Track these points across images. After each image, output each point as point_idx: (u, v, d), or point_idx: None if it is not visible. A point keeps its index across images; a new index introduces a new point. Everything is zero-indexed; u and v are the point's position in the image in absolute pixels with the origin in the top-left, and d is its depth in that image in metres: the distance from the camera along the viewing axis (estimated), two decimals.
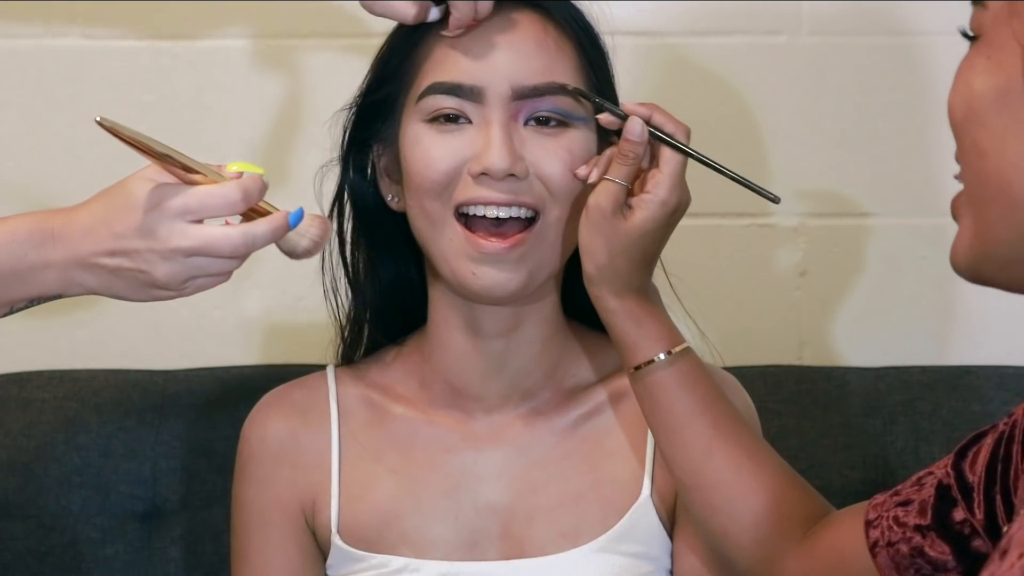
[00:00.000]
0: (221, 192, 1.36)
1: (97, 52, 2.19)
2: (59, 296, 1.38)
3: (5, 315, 1.38)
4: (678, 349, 1.56)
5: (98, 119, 1.33)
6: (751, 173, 2.19)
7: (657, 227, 1.54)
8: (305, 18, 2.17)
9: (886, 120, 2.19)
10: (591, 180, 1.56)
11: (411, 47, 1.63)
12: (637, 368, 1.56)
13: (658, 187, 1.53)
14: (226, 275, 1.40)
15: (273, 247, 1.42)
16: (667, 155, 1.55)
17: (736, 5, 2.16)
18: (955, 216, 1.33)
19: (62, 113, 2.19)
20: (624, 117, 1.56)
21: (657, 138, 1.55)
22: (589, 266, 1.55)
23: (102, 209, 1.36)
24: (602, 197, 1.53)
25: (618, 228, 1.53)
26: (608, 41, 1.66)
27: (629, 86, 1.70)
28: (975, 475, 1.38)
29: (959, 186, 1.28)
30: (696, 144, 1.56)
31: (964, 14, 2.18)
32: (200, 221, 1.36)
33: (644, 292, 1.57)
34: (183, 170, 1.37)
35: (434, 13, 1.60)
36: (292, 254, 1.45)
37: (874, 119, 2.19)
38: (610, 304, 1.55)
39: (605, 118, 1.57)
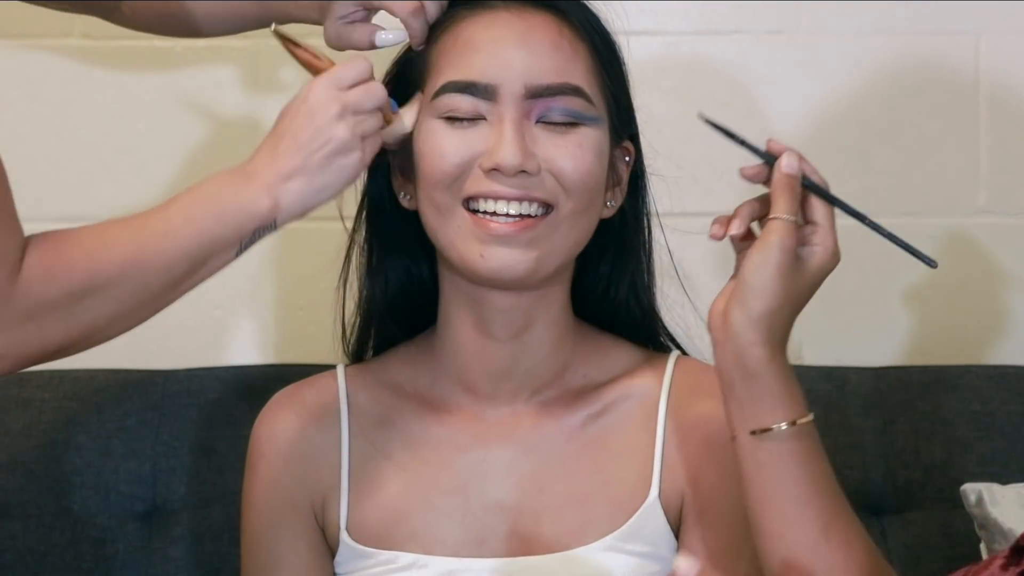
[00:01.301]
0: (350, 64, 1.55)
1: (97, 52, 2.19)
2: (274, 226, 1.53)
3: (235, 256, 1.53)
4: (810, 418, 1.47)
5: (273, 29, 1.59)
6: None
7: (822, 279, 1.49)
8: None
9: (886, 120, 2.19)
10: (733, 232, 1.49)
11: (428, 45, 1.64)
12: (766, 429, 1.45)
13: (826, 239, 1.49)
14: (377, 137, 1.57)
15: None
16: (820, 208, 1.50)
17: (737, 5, 2.17)
18: None
19: (62, 113, 2.19)
20: (768, 157, 1.49)
21: (809, 188, 1.49)
22: (758, 306, 1.45)
23: (271, 136, 1.54)
24: (786, 237, 1.46)
25: (800, 272, 1.47)
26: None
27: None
28: None
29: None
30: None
31: (963, 14, 2.19)
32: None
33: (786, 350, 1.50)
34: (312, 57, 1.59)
35: (388, 37, 1.64)
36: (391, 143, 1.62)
37: (874, 119, 2.19)
38: (763, 353, 1.46)
39: (751, 169, 1.50)
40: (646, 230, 1.71)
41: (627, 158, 1.68)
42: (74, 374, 2.05)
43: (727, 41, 2.18)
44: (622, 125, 1.66)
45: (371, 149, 1.55)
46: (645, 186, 1.70)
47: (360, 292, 1.73)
